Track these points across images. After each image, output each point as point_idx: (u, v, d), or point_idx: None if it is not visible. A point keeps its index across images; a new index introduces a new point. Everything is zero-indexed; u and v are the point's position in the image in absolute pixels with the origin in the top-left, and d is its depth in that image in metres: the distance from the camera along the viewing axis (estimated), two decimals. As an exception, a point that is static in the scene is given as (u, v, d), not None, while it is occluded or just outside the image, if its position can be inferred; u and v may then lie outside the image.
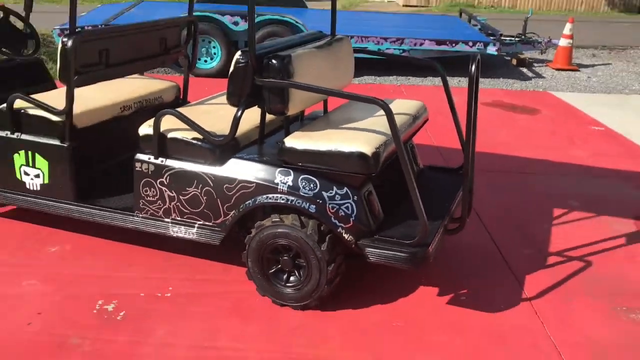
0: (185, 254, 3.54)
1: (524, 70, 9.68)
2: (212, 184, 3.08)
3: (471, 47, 8.64)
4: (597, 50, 11.73)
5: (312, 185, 2.91)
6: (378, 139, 2.92)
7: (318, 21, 9.38)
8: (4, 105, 3.48)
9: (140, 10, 9.59)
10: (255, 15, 7.90)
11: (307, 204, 2.90)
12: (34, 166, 3.47)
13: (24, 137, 3.45)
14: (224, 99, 3.69)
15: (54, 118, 3.36)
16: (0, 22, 3.98)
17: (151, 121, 3.19)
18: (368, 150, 2.80)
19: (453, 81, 8.54)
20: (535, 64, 10.09)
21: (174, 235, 3.24)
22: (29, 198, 3.55)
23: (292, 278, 3.05)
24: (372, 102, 2.74)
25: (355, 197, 2.89)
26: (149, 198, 3.22)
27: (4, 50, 3.89)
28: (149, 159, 3.17)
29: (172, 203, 3.18)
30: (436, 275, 3.41)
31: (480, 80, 8.68)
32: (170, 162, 3.14)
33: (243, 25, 8.25)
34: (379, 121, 3.18)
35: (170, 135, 3.14)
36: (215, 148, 3.07)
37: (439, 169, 3.90)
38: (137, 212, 3.28)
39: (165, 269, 3.42)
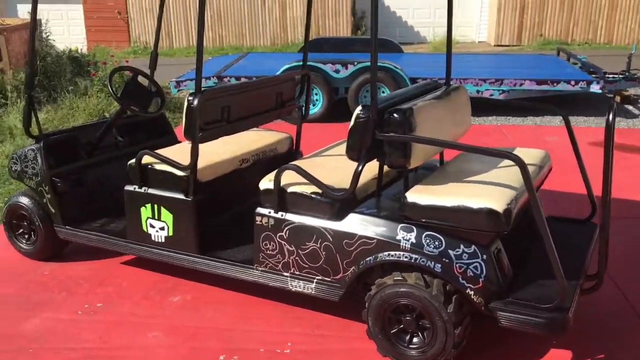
0: (303, 307, 3.52)
1: (630, 107, 9.19)
2: (331, 239, 3.07)
3: (573, 86, 8.33)
4: None
5: (437, 243, 2.83)
6: (507, 193, 2.81)
7: (415, 65, 9.38)
8: (131, 161, 3.66)
9: (248, 61, 9.98)
10: (355, 63, 8.03)
11: (432, 262, 2.82)
12: (159, 219, 3.60)
13: (151, 191, 3.60)
14: (338, 150, 3.72)
15: (179, 173, 3.49)
16: (130, 82, 4.22)
17: (272, 175, 3.24)
18: (499, 206, 2.69)
19: (555, 121, 8.22)
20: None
21: (293, 289, 3.24)
22: (154, 250, 3.68)
23: (415, 339, 2.95)
24: (505, 157, 2.65)
25: (485, 255, 2.78)
26: (268, 252, 3.25)
27: (132, 108, 4.11)
28: (269, 212, 3.21)
29: (291, 257, 3.19)
30: (568, 338, 3.20)
31: (584, 119, 8.36)
32: (289, 216, 3.17)
33: (344, 73, 8.37)
34: (503, 173, 3.07)
35: (290, 189, 3.17)
36: (334, 202, 3.07)
37: (565, 220, 3.70)
38: (256, 265, 3.32)
39: (284, 323, 3.42)
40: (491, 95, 8.42)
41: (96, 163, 4.29)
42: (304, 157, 3.83)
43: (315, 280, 3.16)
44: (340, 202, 3.06)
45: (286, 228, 3.16)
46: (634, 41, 16.08)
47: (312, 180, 3.08)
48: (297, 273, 3.20)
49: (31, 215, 4.10)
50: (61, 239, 4.13)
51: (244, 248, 3.54)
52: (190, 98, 3.33)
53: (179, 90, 9.10)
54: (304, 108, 4.36)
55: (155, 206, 3.59)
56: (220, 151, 3.79)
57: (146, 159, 3.59)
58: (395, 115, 2.90)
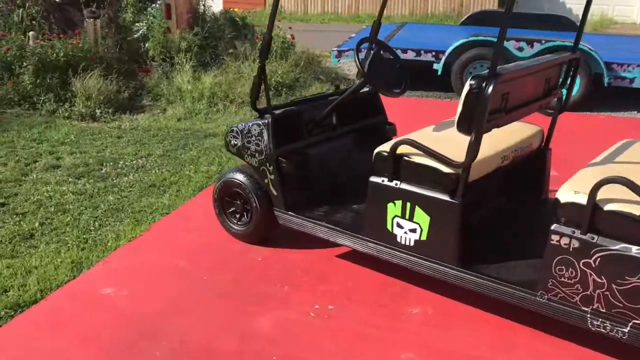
0: (577, 342, 2.94)
1: None
2: None
3: None
4: None
5: None
6: None
7: (603, 48, 8.35)
8: (383, 148, 3.19)
9: (408, 33, 9.34)
10: (543, 41, 7.18)
11: None
12: (410, 219, 3.11)
13: (404, 186, 3.11)
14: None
15: (445, 169, 2.97)
16: (375, 56, 3.73)
17: (577, 184, 2.66)
18: None
19: None
20: None
21: (592, 329, 2.67)
22: (398, 253, 3.21)
23: None
24: None
25: None
26: (563, 279, 2.68)
27: (378, 86, 3.61)
28: (573, 232, 2.63)
29: (598, 291, 2.60)
30: None
31: None
32: (601, 241, 2.57)
33: (528, 52, 7.56)
34: None
35: (609, 206, 2.56)
36: None
37: None
38: (542, 292, 2.76)
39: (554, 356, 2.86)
40: (699, 88, 7.33)
41: (316, 143, 3.87)
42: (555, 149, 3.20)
43: (630, 324, 2.56)
44: None
45: (597, 255, 2.57)
46: None
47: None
48: (604, 311, 2.61)
49: (248, 195, 3.75)
50: (275, 223, 3.76)
51: (515, 265, 2.99)
52: (473, 82, 2.78)
53: (339, 60, 8.61)
54: (564, 97, 3.71)
55: (408, 204, 3.11)
56: (483, 146, 3.23)
57: (403, 149, 3.10)
58: None
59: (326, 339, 3.01)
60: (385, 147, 3.19)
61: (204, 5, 9.38)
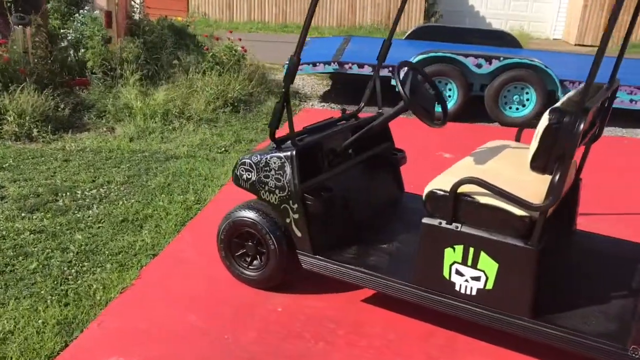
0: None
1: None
2: None
3: None
4: None
5: None
6: None
7: (554, 64, 8.50)
8: (438, 187, 2.86)
9: (357, 46, 9.10)
10: (501, 58, 7.18)
11: None
12: (474, 266, 2.80)
13: (466, 229, 2.79)
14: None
15: (518, 212, 2.68)
16: (413, 79, 3.38)
17: None
18: None
19: None
20: None
21: None
22: (456, 303, 2.89)
23: None
24: None
25: None
26: None
27: (420, 113, 3.26)
28: None
29: None
30: None
31: None
32: None
33: (486, 69, 7.52)
34: None
35: None
36: None
37: None
38: (632, 348, 2.53)
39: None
40: (646, 107, 7.59)
41: (335, 176, 3.49)
42: None
43: None
44: None
45: None
46: None
47: None
48: None
49: (265, 236, 3.31)
50: (293, 267, 3.34)
51: (589, 314, 2.75)
52: (553, 117, 2.52)
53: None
54: None
55: (471, 250, 2.79)
56: (523, 177, 2.95)
57: (465, 188, 2.78)
58: None
59: (390, 408, 2.63)
60: (441, 186, 2.86)
61: (140, 12, 8.69)
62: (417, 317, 3.26)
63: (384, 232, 3.51)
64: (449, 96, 7.69)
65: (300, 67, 8.00)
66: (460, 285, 2.86)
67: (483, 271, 2.79)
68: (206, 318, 3.22)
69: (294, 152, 3.19)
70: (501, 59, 7.50)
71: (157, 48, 8.10)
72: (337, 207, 3.37)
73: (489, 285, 2.79)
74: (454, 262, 2.85)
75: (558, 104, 2.64)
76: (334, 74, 9.04)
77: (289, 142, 3.28)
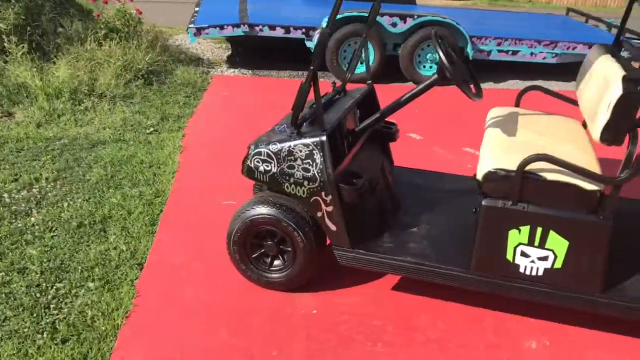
0: None
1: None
2: None
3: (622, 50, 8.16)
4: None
5: None
6: None
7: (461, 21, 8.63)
8: (499, 166, 2.69)
9: (257, 5, 8.54)
10: (416, 16, 7.17)
11: None
12: (541, 246, 2.69)
13: (534, 209, 2.66)
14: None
15: (590, 186, 2.59)
16: (451, 51, 3.10)
17: None
18: None
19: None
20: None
21: None
22: (520, 285, 2.77)
23: None
24: None
25: None
26: None
27: (465, 86, 2.99)
28: None
29: None
30: None
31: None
32: None
33: (401, 28, 7.43)
34: None
35: None
36: None
37: None
38: None
39: None
40: (544, 58, 8.00)
41: (355, 158, 3.19)
42: None
43: None
44: None
45: None
46: (572, 1, 16.58)
47: None
48: None
49: (290, 234, 2.95)
50: (319, 264, 3.04)
51: None
52: (628, 86, 2.43)
53: (197, 39, 7.54)
54: None
55: (539, 230, 2.67)
56: (567, 148, 2.87)
57: (535, 165, 2.62)
58: None
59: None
60: (502, 165, 2.68)
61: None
62: (457, 302, 3.12)
63: (410, 215, 3.29)
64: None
65: (205, 30, 7.42)
66: (526, 266, 2.74)
67: (552, 250, 2.68)
68: (238, 332, 2.82)
69: (325, 138, 2.83)
70: (415, 17, 7.44)
71: (32, 14, 6.99)
72: (368, 194, 3.09)
73: (558, 264, 2.69)
74: (519, 244, 2.71)
75: (627, 74, 2.54)
76: (230, 37, 8.46)
77: (308, 126, 2.91)
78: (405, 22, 7.44)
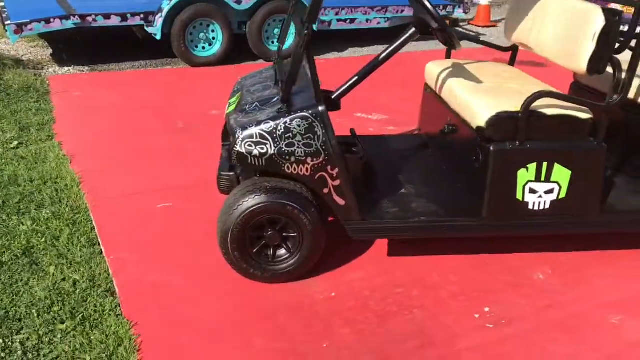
0: None
1: (459, 29, 10.26)
2: None
3: (441, 10, 8.87)
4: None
5: None
6: None
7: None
8: (501, 109, 2.73)
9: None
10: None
11: None
12: (547, 180, 2.80)
13: (539, 145, 2.75)
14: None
15: (584, 115, 2.75)
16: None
17: None
18: None
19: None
20: (461, 24, 10.74)
21: None
22: (530, 222, 2.86)
23: None
24: None
25: None
26: None
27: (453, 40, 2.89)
28: None
29: None
30: None
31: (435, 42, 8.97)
32: None
33: (246, 4, 7.20)
34: None
35: None
36: None
37: None
38: None
39: None
40: (378, 23, 8.36)
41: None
42: None
43: None
44: None
45: None
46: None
47: None
48: None
49: (297, 217, 2.70)
50: (324, 245, 2.85)
51: None
52: (609, 16, 2.62)
53: (19, 37, 6.50)
54: None
55: (545, 164, 2.77)
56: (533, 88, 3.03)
57: (536, 103, 2.69)
58: None
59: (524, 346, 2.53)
60: (504, 108, 2.72)
61: None
62: (453, 253, 3.15)
63: (393, 178, 3.20)
64: (214, 38, 7.17)
65: (28, 26, 6.44)
66: (534, 203, 2.84)
67: (557, 182, 2.81)
68: (273, 336, 2.53)
69: (324, 108, 2.62)
70: (259, -9, 7.25)
71: None
72: (366, 161, 2.95)
73: (562, 194, 2.83)
74: (528, 182, 2.79)
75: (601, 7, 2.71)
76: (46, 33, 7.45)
77: (302, 98, 2.68)
78: (249, -1, 7.21)
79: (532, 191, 2.81)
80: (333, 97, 3.04)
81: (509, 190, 2.79)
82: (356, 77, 3.01)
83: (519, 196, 2.81)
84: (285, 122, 2.60)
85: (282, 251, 2.82)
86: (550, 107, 2.73)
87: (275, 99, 2.80)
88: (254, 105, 2.82)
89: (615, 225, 2.95)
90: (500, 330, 2.59)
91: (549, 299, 2.81)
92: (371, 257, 3.11)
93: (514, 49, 3.59)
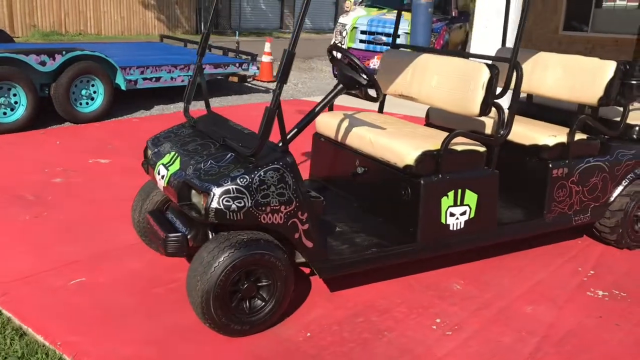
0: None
1: (248, 85, 10.88)
2: None
3: (237, 67, 9.40)
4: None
5: None
6: None
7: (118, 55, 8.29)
8: (427, 148, 3.23)
9: None
10: (64, 52, 6.97)
11: None
12: (461, 204, 3.37)
13: (455, 176, 3.31)
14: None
15: (482, 148, 3.39)
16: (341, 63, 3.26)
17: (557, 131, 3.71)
18: None
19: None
20: (248, 79, 11.34)
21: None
22: (452, 241, 3.39)
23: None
24: None
25: None
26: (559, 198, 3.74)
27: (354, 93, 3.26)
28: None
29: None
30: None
31: (234, 97, 9.51)
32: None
33: (51, 65, 6.81)
34: None
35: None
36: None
37: None
38: (546, 214, 3.72)
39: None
40: (182, 81, 8.53)
41: None
42: None
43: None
44: None
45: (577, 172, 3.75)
46: (118, 32, 17.24)
47: None
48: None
49: (272, 265, 2.83)
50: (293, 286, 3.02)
51: (524, 205, 3.77)
52: (492, 69, 3.32)
53: None
54: None
55: (459, 191, 3.33)
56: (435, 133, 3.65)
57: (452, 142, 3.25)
58: None
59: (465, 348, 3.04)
60: (427, 147, 3.22)
61: None
62: (382, 277, 3.52)
63: (324, 217, 3.45)
64: (16, 102, 6.62)
65: None
66: (453, 224, 3.36)
67: (468, 205, 3.38)
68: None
69: (292, 158, 2.83)
70: (64, 52, 6.93)
71: None
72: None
73: (472, 214, 3.41)
74: (448, 207, 3.32)
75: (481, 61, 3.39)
76: None
77: (267, 149, 2.85)
78: (54, 60, 6.85)
79: (452, 214, 3.35)
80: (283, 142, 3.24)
81: (436, 216, 3.28)
82: (295, 130, 3.26)
83: (442, 220, 3.32)
84: (260, 175, 2.74)
85: (258, 301, 2.89)
86: (458, 144, 3.31)
87: (230, 154, 2.90)
88: (209, 162, 2.88)
89: (507, 235, 3.63)
90: (458, 335, 3.02)
91: (475, 303, 3.34)
92: (319, 295, 3.31)
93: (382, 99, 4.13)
